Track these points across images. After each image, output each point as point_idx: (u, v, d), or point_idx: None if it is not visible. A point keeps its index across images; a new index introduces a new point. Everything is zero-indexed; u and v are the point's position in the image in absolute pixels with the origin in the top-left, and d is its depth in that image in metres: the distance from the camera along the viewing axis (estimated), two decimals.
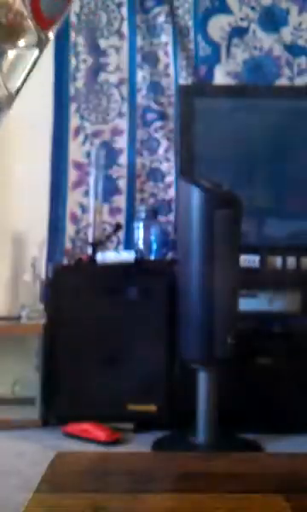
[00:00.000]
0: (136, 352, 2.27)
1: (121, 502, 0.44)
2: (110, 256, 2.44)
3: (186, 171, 2.44)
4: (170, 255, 2.57)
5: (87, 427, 2.15)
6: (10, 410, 2.40)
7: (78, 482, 0.49)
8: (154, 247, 2.56)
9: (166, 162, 2.75)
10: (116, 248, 2.67)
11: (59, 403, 2.32)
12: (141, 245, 2.57)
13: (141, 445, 2.05)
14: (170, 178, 2.73)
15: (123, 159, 2.76)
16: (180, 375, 2.23)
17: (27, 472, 1.78)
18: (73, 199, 2.75)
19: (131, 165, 2.75)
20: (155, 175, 2.75)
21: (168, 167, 2.74)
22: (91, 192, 2.65)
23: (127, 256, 2.42)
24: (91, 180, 2.66)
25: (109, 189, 2.72)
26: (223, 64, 2.78)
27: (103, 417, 2.20)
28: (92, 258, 2.46)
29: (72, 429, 2.18)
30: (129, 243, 2.67)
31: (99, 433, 2.12)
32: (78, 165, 2.76)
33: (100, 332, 2.31)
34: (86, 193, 2.71)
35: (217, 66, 2.78)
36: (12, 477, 1.75)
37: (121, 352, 2.28)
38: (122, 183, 2.75)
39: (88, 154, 2.73)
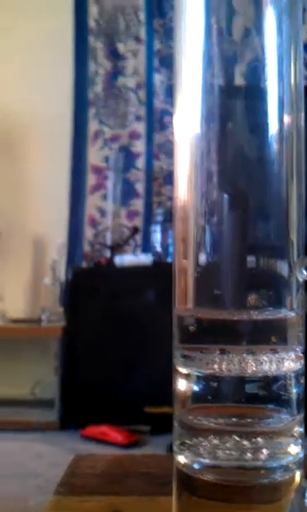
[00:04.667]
0: (153, 354, 2.27)
1: (139, 504, 0.44)
2: (128, 259, 2.45)
3: None
4: None
5: (105, 430, 2.16)
6: (30, 411, 2.41)
7: (96, 485, 0.49)
8: (171, 249, 2.56)
9: None
10: (134, 251, 2.68)
11: (77, 405, 2.33)
12: (158, 248, 2.58)
13: (157, 446, 2.06)
14: None
15: (140, 162, 2.78)
16: None
17: (46, 474, 1.79)
18: (92, 202, 2.77)
19: (149, 169, 2.77)
20: (172, 178, 2.75)
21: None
22: (109, 196, 2.67)
23: (145, 259, 2.43)
24: (109, 184, 2.67)
25: (127, 193, 2.73)
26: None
27: (120, 420, 2.20)
28: (110, 261, 2.47)
29: (89, 432, 2.19)
30: (146, 246, 2.68)
31: (116, 435, 2.13)
32: (97, 169, 2.77)
33: (118, 334, 2.32)
34: (104, 197, 2.73)
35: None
36: (31, 479, 1.77)
37: (139, 355, 2.28)
38: (139, 187, 2.77)
39: (106, 159, 2.75)
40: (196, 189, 0.35)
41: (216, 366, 0.34)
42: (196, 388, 0.35)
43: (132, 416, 2.24)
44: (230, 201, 0.34)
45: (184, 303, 0.35)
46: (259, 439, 0.34)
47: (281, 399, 0.34)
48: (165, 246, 2.57)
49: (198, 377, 0.34)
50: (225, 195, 0.34)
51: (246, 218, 0.33)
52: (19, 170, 2.75)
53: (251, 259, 0.33)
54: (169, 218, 2.64)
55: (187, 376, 0.35)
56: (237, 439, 0.34)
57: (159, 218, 2.64)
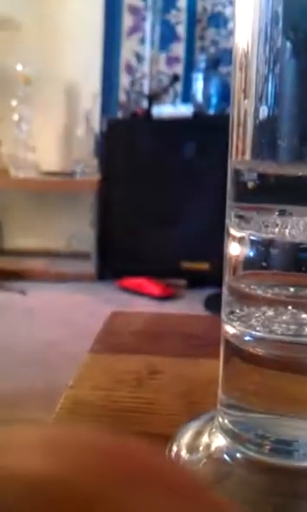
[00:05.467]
0: (191, 209, 2.24)
1: (177, 365, 0.42)
2: (167, 110, 2.33)
3: None
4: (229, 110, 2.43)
5: (141, 282, 2.21)
6: (67, 263, 2.47)
7: (133, 343, 0.47)
8: (214, 100, 2.42)
9: (230, 6, 2.51)
10: (173, 102, 2.54)
11: (114, 258, 2.36)
12: (200, 98, 2.43)
13: (193, 300, 2.10)
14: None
15: (182, 2, 2.53)
16: None
17: (83, 322, 1.86)
18: (128, 47, 2.58)
19: (191, 9, 2.53)
20: (217, 20, 2.53)
21: (232, 11, 2.51)
22: (147, 39, 2.48)
23: (185, 110, 2.30)
24: (147, 26, 2.47)
25: (167, 36, 2.53)
26: None
27: (157, 273, 2.24)
28: (148, 112, 2.36)
29: (126, 283, 2.24)
30: (187, 96, 2.53)
31: (153, 287, 2.17)
32: (134, 10, 2.55)
33: (155, 189, 2.28)
34: (142, 40, 2.54)
35: None
36: (69, 326, 1.84)
37: (177, 210, 2.26)
38: (181, 30, 2.55)
39: None
40: (259, 34, 0.28)
41: (276, 230, 0.29)
42: (251, 253, 0.30)
43: (169, 271, 2.27)
44: (293, 48, 0.28)
45: (242, 154, 0.29)
46: None
47: None
48: (207, 96, 2.42)
49: (254, 241, 0.30)
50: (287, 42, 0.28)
51: None
52: (49, 11, 2.55)
53: None
54: (213, 64, 2.45)
55: (240, 240, 0.30)
56: (294, 311, 0.30)
57: (202, 65, 2.45)
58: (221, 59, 2.50)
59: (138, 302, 2.08)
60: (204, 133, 2.24)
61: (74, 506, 0.11)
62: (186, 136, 2.25)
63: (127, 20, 2.57)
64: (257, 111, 0.28)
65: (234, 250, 0.31)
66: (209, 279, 2.26)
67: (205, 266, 2.26)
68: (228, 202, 0.31)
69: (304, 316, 0.30)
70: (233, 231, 0.30)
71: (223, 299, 0.32)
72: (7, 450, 0.12)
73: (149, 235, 2.28)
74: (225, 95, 2.43)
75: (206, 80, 2.42)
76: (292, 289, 0.31)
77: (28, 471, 0.12)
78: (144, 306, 2.04)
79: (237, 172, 0.30)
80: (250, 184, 0.29)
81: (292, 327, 0.30)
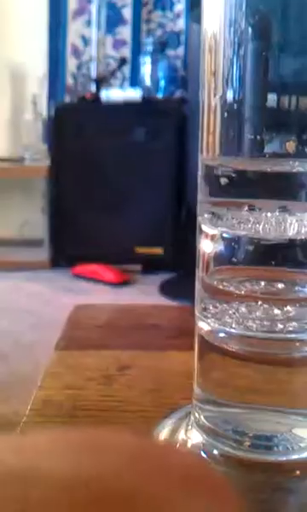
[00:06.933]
0: (143, 194, 2.24)
1: (146, 359, 0.42)
2: (115, 94, 2.31)
3: None
4: (178, 93, 2.42)
5: (96, 269, 2.19)
6: (19, 251, 2.43)
7: (99, 338, 0.47)
8: (162, 84, 2.41)
9: None
10: (121, 85, 2.52)
11: (67, 244, 2.34)
12: (148, 82, 2.41)
13: (148, 285, 2.11)
14: (181, 6, 2.49)
15: None
16: (186, 218, 2.22)
17: (39, 311, 1.84)
18: (74, 29, 2.53)
19: None
20: (163, 2, 2.50)
21: None
22: (93, 22, 2.44)
23: (133, 94, 2.28)
24: (93, 8, 2.43)
25: (113, 19, 2.50)
26: None
27: (111, 259, 2.23)
28: (96, 96, 2.33)
29: (81, 270, 2.22)
30: (135, 80, 2.51)
31: (108, 274, 2.17)
32: None
33: (106, 174, 2.26)
34: (88, 23, 2.50)
35: None
36: (26, 315, 1.82)
37: (128, 195, 2.25)
38: (127, 12, 2.52)
39: None
40: (225, 16, 0.28)
41: (249, 226, 0.29)
42: (223, 250, 0.30)
43: (123, 256, 2.26)
44: (253, 32, 0.28)
45: (213, 150, 0.29)
46: (291, 308, 0.30)
47: None
48: (155, 80, 2.40)
49: (226, 238, 0.30)
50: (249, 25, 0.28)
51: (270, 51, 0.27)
52: None
53: (286, 100, 0.28)
54: (160, 48, 2.43)
55: (213, 237, 0.30)
56: (266, 306, 0.30)
57: (149, 48, 2.43)
58: (168, 42, 2.48)
59: (94, 289, 2.07)
60: (153, 117, 2.23)
61: (115, 502, 0.11)
62: (135, 120, 2.24)
63: (72, 3, 2.52)
64: (224, 96, 0.28)
65: (207, 247, 0.31)
66: (163, 264, 2.26)
67: (158, 251, 2.26)
68: (200, 198, 0.31)
69: (276, 311, 0.30)
70: (205, 228, 0.30)
71: (196, 295, 0.32)
72: (39, 453, 0.12)
73: (102, 221, 2.27)
74: (173, 78, 2.42)
75: (154, 63, 2.41)
76: (262, 284, 0.31)
77: (64, 471, 0.12)
78: (100, 293, 2.03)
79: (208, 168, 0.30)
80: (222, 180, 0.29)
81: (265, 323, 0.30)
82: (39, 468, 0.12)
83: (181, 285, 2.18)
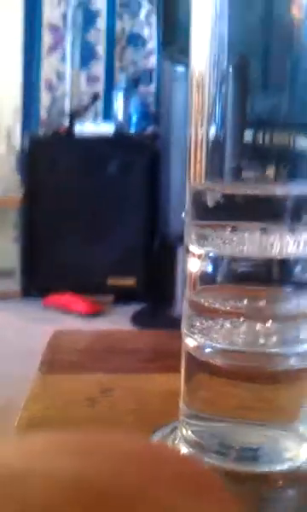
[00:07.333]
0: (115, 226, 2.25)
1: (129, 381, 0.42)
2: (88, 128, 2.34)
3: (169, 38, 2.28)
4: (150, 129, 2.47)
5: (68, 299, 2.18)
6: None
7: (81, 362, 0.47)
8: (134, 119, 2.45)
9: (148, 27, 2.56)
10: (94, 119, 2.56)
11: (38, 275, 2.33)
12: (120, 117, 2.46)
13: (120, 316, 2.11)
14: (152, 45, 2.56)
15: (101, 22, 2.57)
16: (159, 249, 2.24)
17: (10, 341, 1.82)
18: (49, 64, 2.58)
19: (110, 30, 2.57)
20: (136, 40, 2.57)
21: (150, 33, 2.56)
22: (67, 57, 2.49)
23: (106, 128, 2.32)
24: (67, 44, 2.48)
25: (87, 55, 2.55)
26: None
27: (83, 290, 2.23)
28: (70, 130, 2.36)
29: (52, 301, 2.21)
30: (108, 114, 2.55)
31: (80, 304, 2.16)
32: (53, 28, 2.56)
33: (79, 206, 2.28)
34: (62, 59, 2.54)
35: None
36: None
37: (101, 226, 2.26)
38: (100, 49, 2.58)
39: (64, 16, 2.52)
40: (211, 57, 0.31)
41: (234, 246, 0.31)
42: (209, 269, 0.32)
43: (94, 287, 2.26)
44: (235, 72, 0.30)
45: (200, 176, 0.31)
46: (273, 324, 0.32)
47: (302, 283, 0.31)
48: (127, 115, 2.45)
49: (211, 258, 0.31)
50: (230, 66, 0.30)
51: (249, 90, 0.30)
52: None
53: (267, 134, 0.30)
54: (132, 84, 2.49)
55: (200, 256, 0.31)
56: (249, 322, 0.32)
57: (122, 84, 2.49)
58: (140, 78, 2.55)
59: (65, 319, 2.06)
60: (125, 151, 2.27)
61: (114, 502, 0.11)
62: (108, 154, 2.27)
63: (47, 38, 2.57)
64: (208, 131, 0.30)
65: (194, 266, 0.32)
66: (135, 295, 2.27)
67: (130, 282, 2.27)
68: (187, 221, 0.32)
69: (258, 327, 0.32)
70: (192, 248, 0.32)
71: (183, 313, 0.33)
72: (38, 454, 0.12)
73: (74, 252, 2.27)
74: (145, 114, 2.47)
75: (126, 99, 2.46)
76: (245, 301, 0.32)
77: (62, 472, 0.12)
78: (72, 324, 2.02)
79: (196, 194, 0.31)
80: (210, 204, 0.31)
81: (248, 338, 0.31)
82: (38, 469, 0.12)
83: (152, 316, 2.19)
